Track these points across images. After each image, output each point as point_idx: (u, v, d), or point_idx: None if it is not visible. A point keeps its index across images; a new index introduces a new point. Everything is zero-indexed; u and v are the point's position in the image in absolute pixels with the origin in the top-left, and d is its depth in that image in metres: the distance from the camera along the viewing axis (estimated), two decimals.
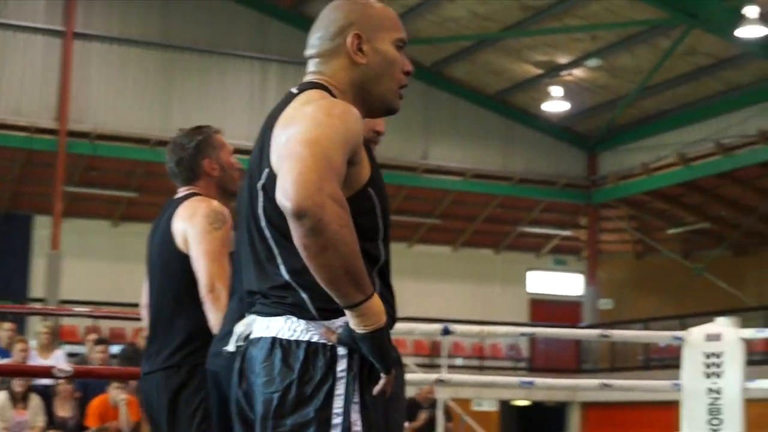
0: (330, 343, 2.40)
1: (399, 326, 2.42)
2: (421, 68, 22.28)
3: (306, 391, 2.38)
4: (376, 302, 2.33)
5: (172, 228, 4.00)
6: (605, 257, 26.35)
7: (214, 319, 3.76)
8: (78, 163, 20.61)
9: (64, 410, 10.25)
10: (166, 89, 21.12)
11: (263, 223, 2.50)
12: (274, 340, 2.45)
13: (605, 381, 7.16)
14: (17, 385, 9.82)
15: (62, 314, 12.94)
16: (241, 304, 3.38)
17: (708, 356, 6.97)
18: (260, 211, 2.50)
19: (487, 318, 21.54)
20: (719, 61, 20.41)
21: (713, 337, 7.02)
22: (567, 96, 22.38)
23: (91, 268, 21.14)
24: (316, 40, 2.66)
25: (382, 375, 2.39)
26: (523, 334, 8.26)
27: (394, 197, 21.77)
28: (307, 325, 2.42)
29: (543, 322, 23.25)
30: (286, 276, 2.45)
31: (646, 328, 21.66)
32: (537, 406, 23.77)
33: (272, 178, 2.43)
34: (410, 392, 11.81)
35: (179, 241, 3.97)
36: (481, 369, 22.68)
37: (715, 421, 6.83)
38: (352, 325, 2.34)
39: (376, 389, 2.40)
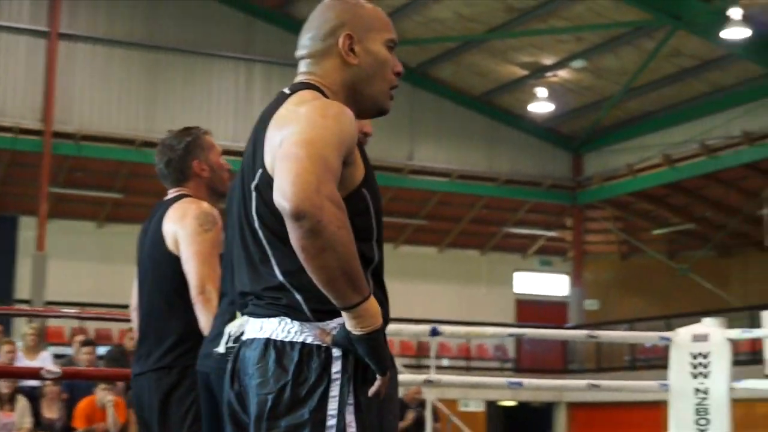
0: (324, 345, 2.39)
1: (387, 327, 2.42)
2: (407, 69, 22.26)
3: (300, 393, 2.37)
4: (373, 304, 2.33)
5: (162, 230, 4.00)
6: (591, 258, 26.40)
7: (204, 320, 3.76)
8: (63, 164, 20.54)
9: (51, 412, 10.23)
10: (151, 90, 21.06)
11: (257, 224, 2.49)
12: (268, 342, 2.44)
13: (593, 381, 7.19)
14: (4, 386, 9.80)
15: (51, 315, 12.89)
16: (232, 306, 3.39)
17: (695, 356, 6.99)
18: (253, 211, 2.49)
19: (473, 319, 21.56)
20: (703, 62, 20.47)
21: (700, 338, 7.05)
22: (552, 97, 22.41)
23: (77, 269, 21.07)
24: (307, 41, 2.65)
25: (378, 376, 2.39)
26: (511, 335, 8.26)
27: None
28: (301, 326, 2.41)
29: (529, 322, 23.29)
30: (280, 277, 2.44)
31: (631, 329, 21.71)
32: (523, 407, 23.79)
33: (266, 178, 2.43)
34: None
35: (170, 242, 3.97)
36: (467, 370, 22.69)
37: (702, 421, 6.86)
38: (349, 326, 2.33)
39: (372, 391, 2.39)
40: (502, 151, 24.28)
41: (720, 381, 6.88)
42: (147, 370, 3.96)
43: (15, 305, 19.02)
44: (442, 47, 22.06)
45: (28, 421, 9.89)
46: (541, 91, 22.32)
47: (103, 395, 9.89)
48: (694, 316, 11.89)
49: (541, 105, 22.59)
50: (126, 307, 4.52)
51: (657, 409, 18.71)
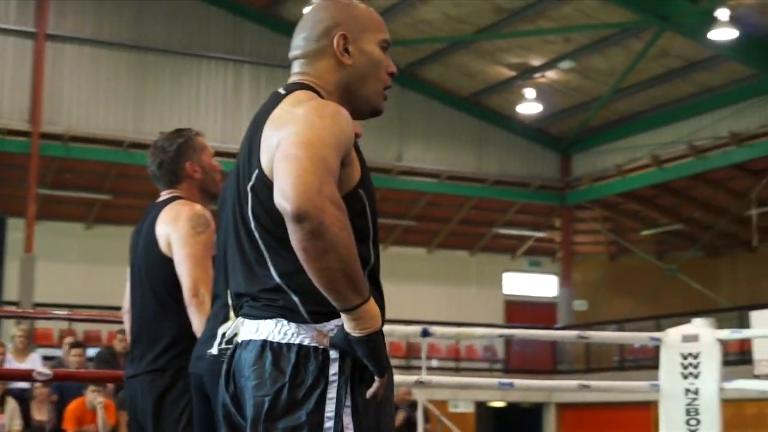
0: (322, 347, 2.38)
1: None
2: None
3: (298, 395, 2.36)
4: (373, 306, 2.32)
5: (155, 232, 4.00)
6: (579, 258, 26.45)
7: (198, 323, 3.75)
8: (51, 166, 20.48)
9: (40, 414, 10.20)
10: (140, 91, 21.01)
11: (252, 225, 2.47)
12: (265, 343, 2.42)
13: (584, 382, 7.19)
14: None
15: (42, 317, 12.84)
16: (225, 308, 3.38)
17: (685, 357, 7.00)
18: (249, 212, 2.48)
19: (462, 319, 21.54)
20: (691, 63, 20.52)
21: (690, 338, 7.06)
22: (540, 98, 22.42)
23: (65, 271, 21.01)
24: (300, 41, 2.63)
25: (376, 378, 2.38)
26: (502, 336, 8.27)
27: None
28: (298, 328, 2.40)
29: (518, 323, 23.31)
30: (276, 279, 2.43)
31: (620, 329, 21.74)
32: (513, 408, 23.80)
33: (262, 179, 2.42)
34: None
35: (162, 244, 3.96)
36: (457, 371, 22.69)
37: (692, 422, 6.87)
38: (348, 328, 2.32)
39: (370, 392, 2.38)
40: (491, 152, 24.30)
41: (710, 381, 6.90)
42: (140, 372, 3.96)
43: (3, 307, 18.97)
44: (430, 48, 22.07)
45: (17, 423, 9.86)
46: (530, 92, 22.33)
47: (93, 397, 9.87)
48: (683, 317, 11.94)
49: (529, 106, 22.61)
50: (115, 308, 4.52)
51: (645, 410, 18.81)
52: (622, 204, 24.45)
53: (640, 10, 18.92)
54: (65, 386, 10.30)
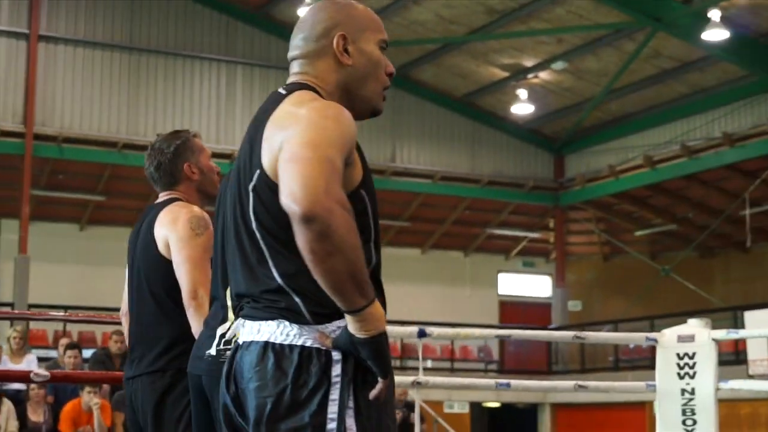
0: (324, 348, 2.37)
1: None
2: None
3: (300, 396, 2.35)
4: (378, 307, 2.31)
5: (153, 234, 3.99)
6: (573, 259, 26.47)
7: (197, 325, 3.75)
8: (45, 167, 20.46)
9: (36, 415, 10.19)
10: (133, 92, 20.99)
11: (254, 226, 2.46)
12: (266, 344, 2.41)
13: (581, 382, 7.20)
14: None
15: (38, 318, 12.83)
16: (223, 309, 3.38)
17: (681, 357, 7.02)
18: (251, 213, 2.47)
19: (456, 320, 21.57)
20: (683, 64, 20.55)
21: (686, 339, 7.07)
22: (533, 99, 22.45)
23: (59, 272, 21.00)
24: (300, 41, 2.63)
25: (379, 380, 2.37)
26: (498, 337, 8.27)
27: None
28: (300, 329, 2.39)
29: (513, 323, 23.32)
30: (278, 280, 2.42)
31: (615, 330, 21.79)
32: (508, 408, 23.81)
33: (264, 179, 2.42)
34: None
35: (161, 246, 3.96)
36: (451, 371, 22.69)
37: (689, 422, 6.88)
38: (353, 330, 2.31)
39: (373, 394, 2.37)
40: (484, 153, 24.31)
41: (706, 381, 6.91)
42: (140, 374, 3.95)
43: None
44: (423, 49, 22.07)
45: (13, 425, 9.85)
46: (523, 93, 22.36)
47: (89, 398, 9.85)
48: (677, 317, 11.96)
49: (522, 106, 22.63)
50: (109, 309, 4.52)
51: (640, 410, 18.85)
52: (616, 204, 24.47)
53: (633, 11, 18.95)
54: (61, 387, 10.29)
